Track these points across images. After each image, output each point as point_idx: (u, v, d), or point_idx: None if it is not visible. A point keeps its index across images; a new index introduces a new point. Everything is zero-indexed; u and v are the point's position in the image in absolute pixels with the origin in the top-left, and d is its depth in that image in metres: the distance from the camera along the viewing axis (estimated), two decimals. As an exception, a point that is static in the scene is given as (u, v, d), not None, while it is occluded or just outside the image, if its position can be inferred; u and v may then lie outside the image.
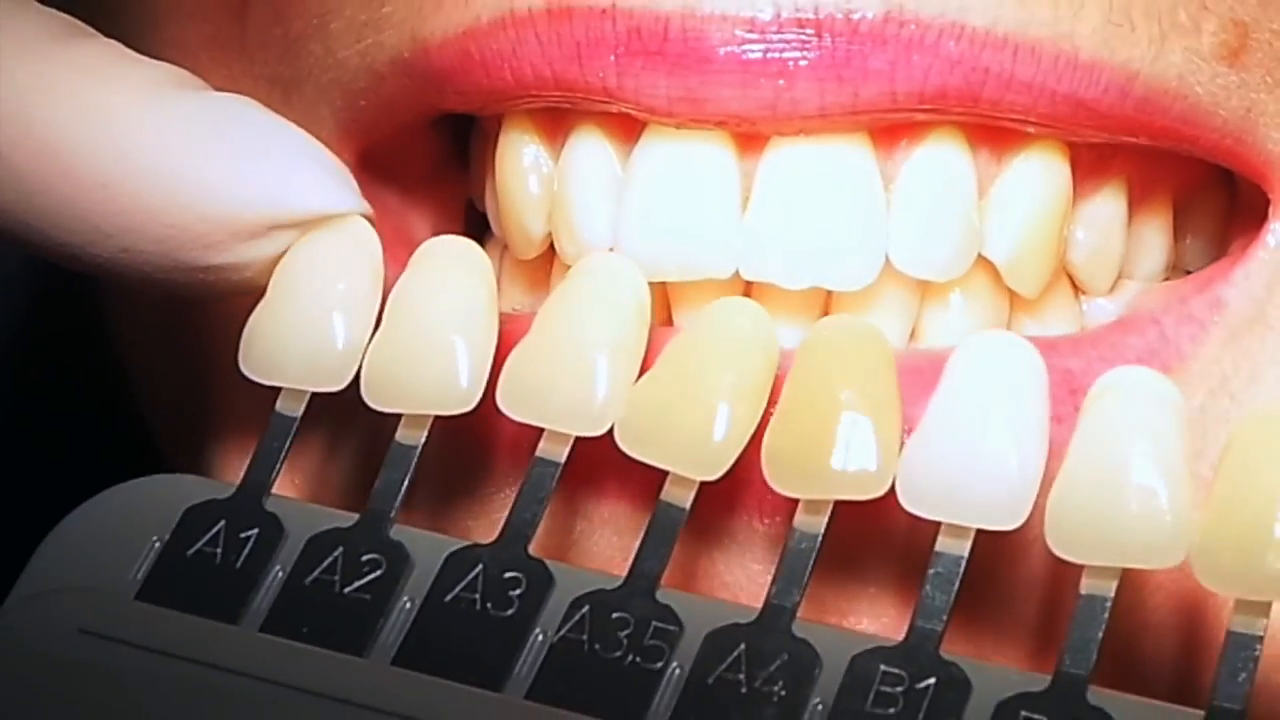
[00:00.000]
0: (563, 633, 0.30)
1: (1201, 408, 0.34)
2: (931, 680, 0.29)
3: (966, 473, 0.30)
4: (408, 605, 0.31)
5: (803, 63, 0.33)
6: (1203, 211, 0.38)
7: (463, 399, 0.32)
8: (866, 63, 0.33)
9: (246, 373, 0.33)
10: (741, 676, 0.29)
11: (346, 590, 0.31)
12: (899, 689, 0.29)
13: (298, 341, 0.32)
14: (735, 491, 0.32)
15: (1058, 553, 0.29)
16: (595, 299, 0.32)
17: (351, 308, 0.32)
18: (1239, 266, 0.35)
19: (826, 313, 0.36)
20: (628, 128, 0.35)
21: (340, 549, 0.31)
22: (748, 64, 0.33)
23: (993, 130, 0.35)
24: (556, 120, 0.36)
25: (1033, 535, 0.29)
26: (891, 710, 0.29)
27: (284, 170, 0.32)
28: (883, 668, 0.29)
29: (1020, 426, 0.30)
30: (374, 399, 0.32)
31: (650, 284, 0.34)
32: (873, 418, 0.30)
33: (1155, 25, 0.34)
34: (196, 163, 0.32)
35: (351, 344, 0.32)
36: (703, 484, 0.31)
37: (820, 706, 0.29)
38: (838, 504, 0.30)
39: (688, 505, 0.31)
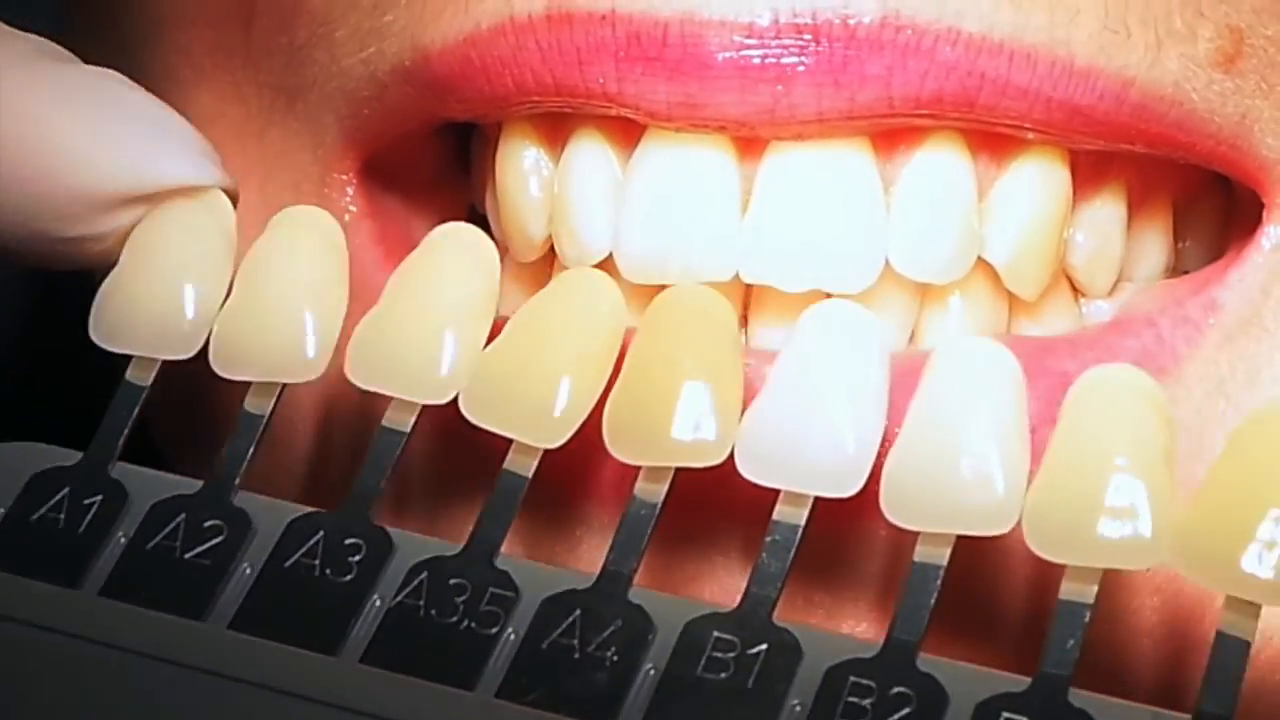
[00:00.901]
0: (400, 598, 0.30)
1: (1197, 410, 0.35)
2: (763, 646, 0.29)
3: (803, 441, 0.30)
4: (248, 571, 0.31)
5: (800, 68, 0.33)
6: (1201, 214, 0.39)
7: (309, 368, 0.32)
8: (863, 68, 0.33)
9: (96, 340, 0.33)
10: (575, 641, 0.29)
11: (187, 556, 0.31)
12: (731, 655, 0.29)
13: (147, 310, 0.32)
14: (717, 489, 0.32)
15: (893, 520, 0.29)
16: (446, 269, 0.32)
17: (202, 277, 0.32)
18: (1234, 269, 0.35)
19: None
20: (628, 131, 0.35)
21: (183, 515, 0.31)
22: (746, 69, 0.33)
23: (992, 135, 0.35)
24: (557, 124, 0.37)
25: (1015, 542, 0.29)
26: (722, 675, 0.29)
27: (144, 143, 0.32)
28: (715, 634, 0.29)
29: (858, 395, 0.30)
30: (221, 367, 0.32)
31: (649, 287, 0.34)
32: (712, 386, 0.30)
33: (1151, 32, 0.34)
34: (58, 133, 0.32)
35: (201, 313, 0.32)
36: (678, 480, 0.31)
37: (652, 671, 0.29)
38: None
39: (529, 473, 0.31)
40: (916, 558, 0.29)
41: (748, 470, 0.30)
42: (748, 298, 0.36)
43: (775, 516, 0.30)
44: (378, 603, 0.30)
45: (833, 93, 0.33)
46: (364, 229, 0.37)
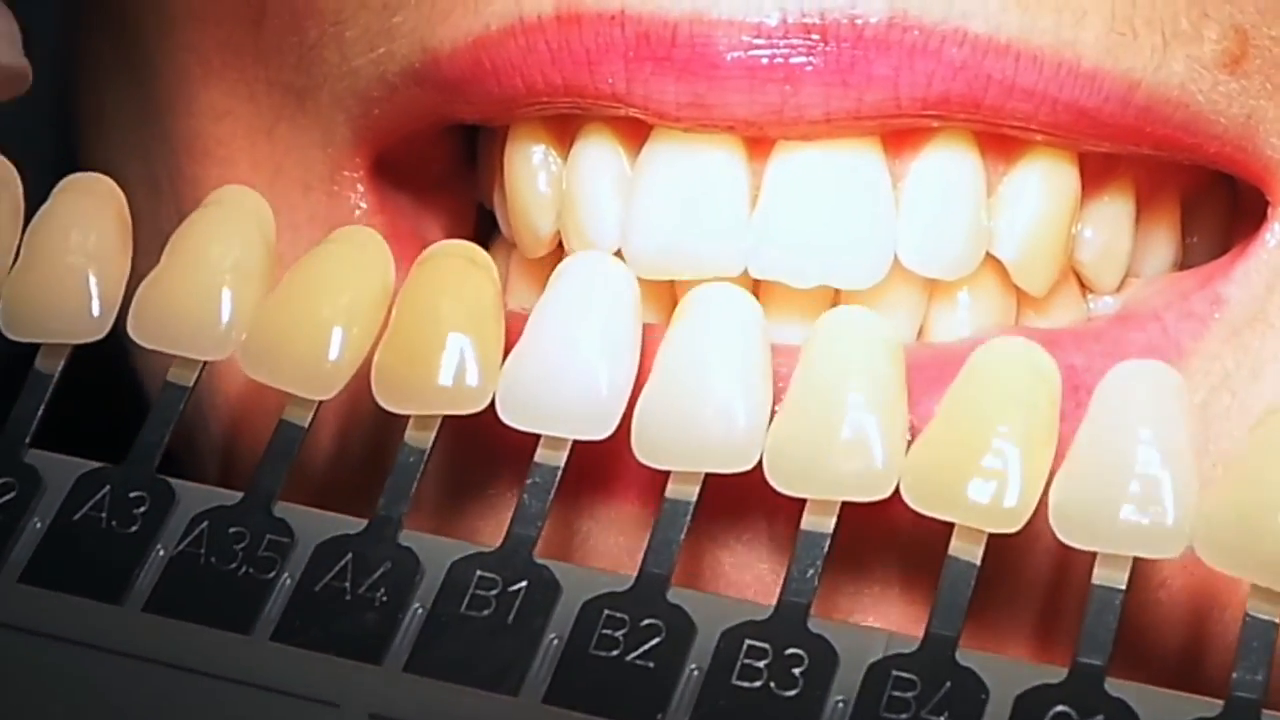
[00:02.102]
0: (181, 547, 0.31)
1: (1203, 404, 0.35)
2: (524, 583, 0.30)
3: (559, 386, 0.31)
4: (39, 525, 0.32)
5: (808, 68, 0.34)
6: (1208, 211, 0.39)
7: (94, 328, 0.33)
8: (871, 68, 0.34)
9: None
10: (347, 584, 0.31)
11: (-23, 513, 0.32)
12: (493, 592, 0.30)
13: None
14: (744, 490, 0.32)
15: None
16: (220, 226, 0.33)
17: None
18: (1239, 264, 0.36)
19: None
20: (637, 127, 0.36)
21: (-28, 476, 0.32)
22: (754, 69, 0.34)
23: (1000, 133, 0.35)
24: (565, 120, 0.37)
25: (1037, 531, 0.30)
26: (485, 612, 0.30)
27: None
28: (479, 573, 0.30)
29: (611, 341, 0.31)
30: (11, 329, 0.33)
31: (659, 282, 0.35)
32: (473, 336, 0.32)
33: (1158, 34, 0.34)
34: None
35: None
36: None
37: (420, 610, 0.30)
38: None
39: (306, 424, 0.32)
40: (669, 489, 0.31)
41: (507, 416, 0.31)
42: (757, 293, 0.35)
43: (535, 459, 0.31)
44: (161, 552, 0.31)
45: (840, 93, 0.34)
46: (374, 226, 0.37)
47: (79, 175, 0.34)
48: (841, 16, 0.33)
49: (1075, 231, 0.37)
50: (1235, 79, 0.34)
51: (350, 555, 0.31)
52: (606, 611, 0.30)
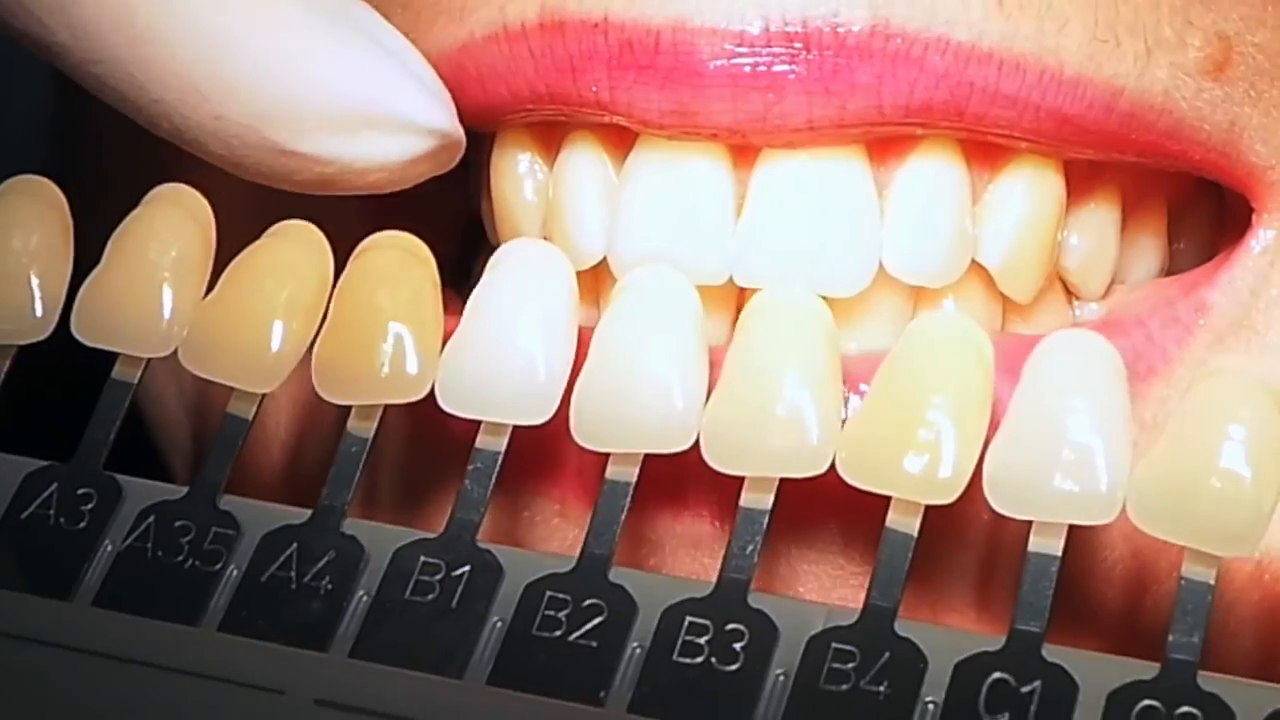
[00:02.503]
0: (129, 541, 0.32)
1: None
2: (467, 568, 0.31)
3: (497, 373, 0.31)
4: (-14, 525, 0.32)
5: (791, 76, 0.34)
6: (1195, 217, 0.39)
7: (37, 328, 0.33)
8: (853, 76, 0.34)
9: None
10: (292, 574, 0.31)
11: (-73, 514, 0.32)
12: (437, 577, 0.31)
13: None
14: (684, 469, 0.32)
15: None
16: (159, 223, 0.34)
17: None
18: (1223, 271, 0.36)
19: None
20: (623, 136, 0.36)
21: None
22: (737, 78, 0.34)
23: (985, 141, 0.35)
24: (551, 129, 0.37)
25: (974, 501, 0.30)
26: (429, 597, 0.30)
27: (388, 74, 0.33)
28: (422, 558, 0.31)
29: (548, 327, 0.32)
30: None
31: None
32: (411, 326, 0.32)
33: (1141, 41, 0.34)
34: (307, 43, 0.32)
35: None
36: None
37: (365, 597, 0.31)
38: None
39: (250, 416, 0.33)
40: (609, 471, 0.31)
41: (447, 403, 0.32)
42: (742, 302, 0.36)
43: (476, 445, 0.32)
44: (109, 547, 0.32)
45: (823, 100, 0.34)
46: (360, 235, 0.36)
47: (20, 178, 0.34)
48: (824, 25, 0.34)
49: (1060, 239, 0.37)
50: (1219, 86, 0.35)
51: (295, 545, 0.31)
52: (549, 593, 0.30)
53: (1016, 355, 0.31)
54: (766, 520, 0.31)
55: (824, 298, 0.34)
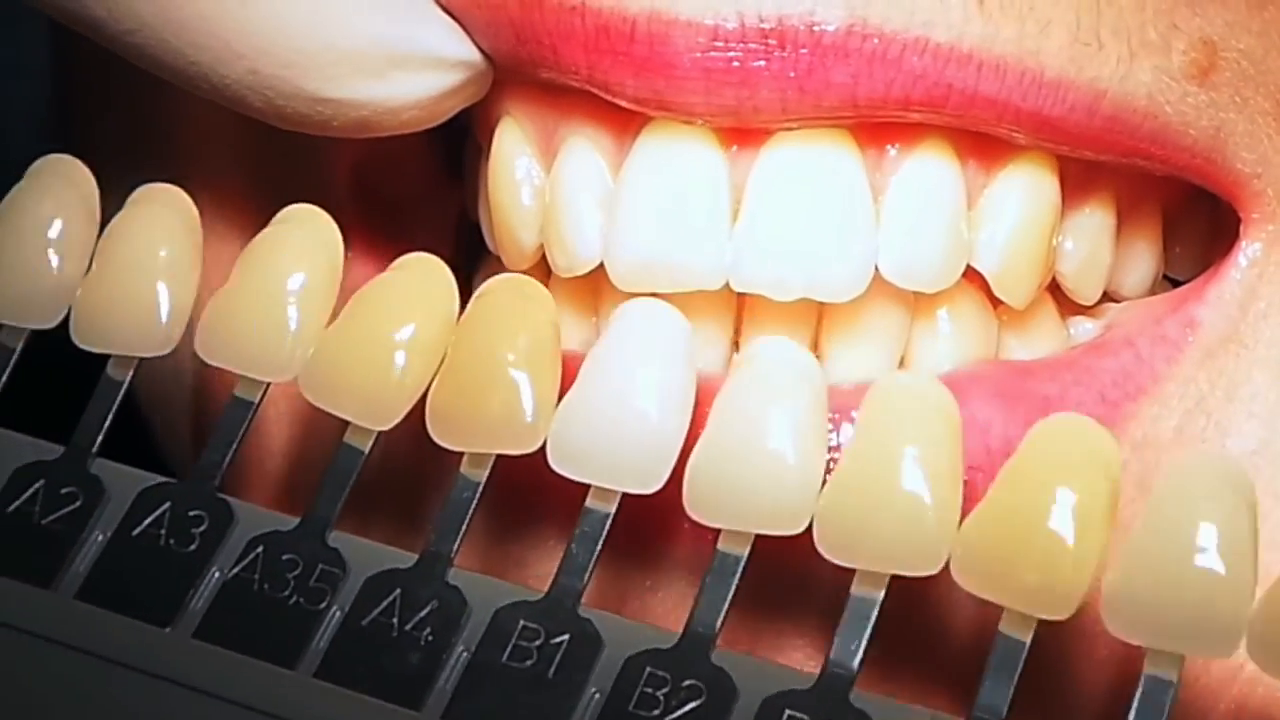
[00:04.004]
0: (236, 570, 0.32)
1: (1178, 428, 0.35)
2: (566, 636, 0.30)
3: (610, 437, 0.31)
4: (100, 538, 0.32)
5: (765, 73, 0.33)
6: (1190, 222, 0.39)
7: (161, 342, 0.33)
8: (829, 74, 0.33)
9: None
10: (394, 620, 0.31)
11: (44, 521, 0.32)
12: (535, 643, 0.30)
13: (13, 281, 0.34)
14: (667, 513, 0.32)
15: (694, 516, 0.30)
16: (289, 245, 0.33)
17: (65, 250, 0.34)
18: (1212, 285, 0.36)
19: (818, 330, 0.36)
20: (620, 140, 0.36)
21: (41, 481, 0.33)
22: (711, 71, 0.34)
23: (981, 142, 0.35)
24: (548, 132, 0.37)
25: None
26: (526, 663, 0.30)
27: (406, 13, 0.34)
28: (522, 622, 0.31)
29: (664, 394, 0.31)
30: (82, 339, 0.33)
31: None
32: (530, 376, 0.31)
33: (1124, 44, 0.34)
34: None
35: (63, 285, 0.34)
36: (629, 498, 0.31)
37: (464, 654, 0.31)
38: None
39: (366, 450, 0.32)
40: (720, 545, 0.31)
41: (557, 463, 0.31)
42: (740, 311, 0.36)
43: (586, 506, 0.31)
44: (216, 574, 0.32)
45: (797, 98, 0.34)
46: (354, 240, 0.37)
47: (154, 186, 0.34)
48: (799, 23, 0.33)
49: (1056, 243, 0.37)
50: (1204, 91, 0.34)
51: (399, 591, 0.31)
52: (649, 669, 0.30)
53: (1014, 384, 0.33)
54: (875, 614, 0.30)
55: (817, 303, 0.35)
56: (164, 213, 0.34)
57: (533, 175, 0.37)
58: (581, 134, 0.37)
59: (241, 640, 0.31)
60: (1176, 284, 0.38)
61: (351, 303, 0.33)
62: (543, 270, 0.38)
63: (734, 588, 0.30)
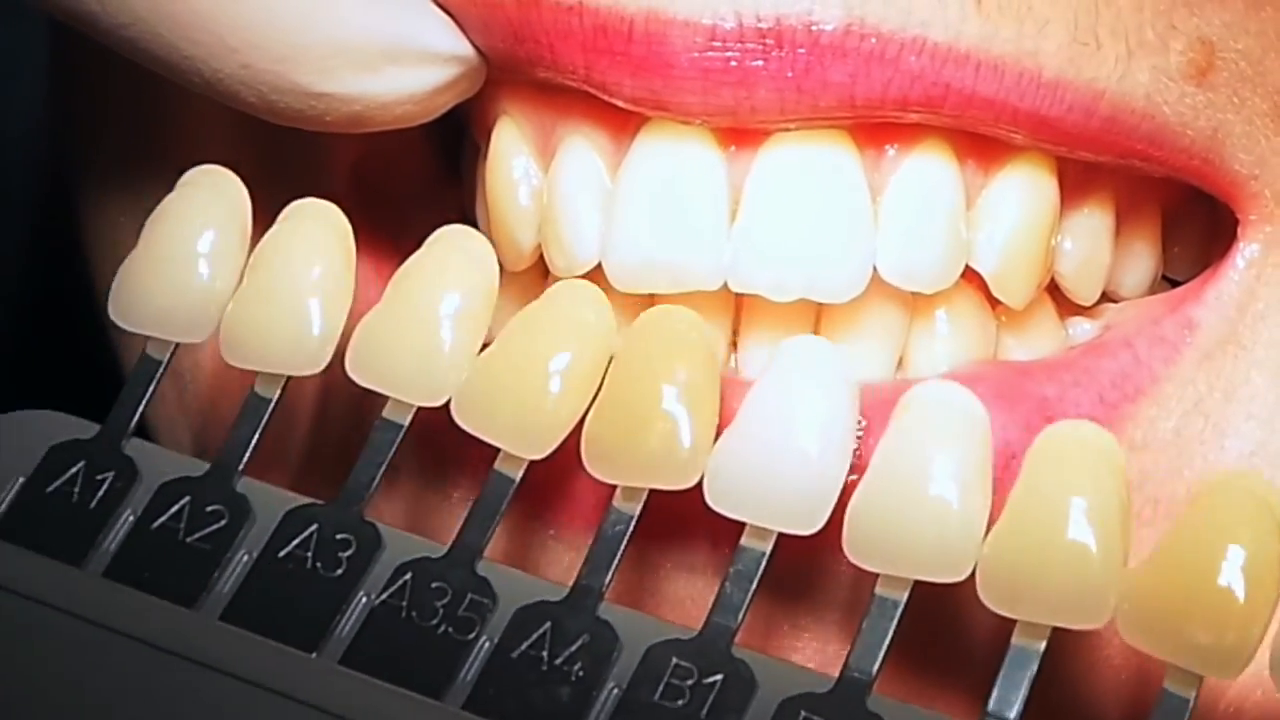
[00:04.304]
0: (383, 598, 0.31)
1: (1176, 429, 0.35)
2: (719, 676, 0.30)
3: (769, 475, 0.30)
4: (245, 559, 0.32)
5: (763, 73, 0.33)
6: (1188, 222, 0.39)
7: (311, 361, 0.33)
8: (826, 74, 0.33)
9: (114, 317, 0.34)
10: (544, 654, 0.30)
11: (189, 539, 0.32)
12: (688, 682, 0.30)
13: (163, 292, 0.33)
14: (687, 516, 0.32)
15: (855, 560, 0.30)
16: (446, 271, 0.33)
17: (217, 262, 0.33)
18: (1210, 286, 0.36)
19: (817, 330, 0.36)
20: (617, 140, 0.36)
21: (188, 498, 0.32)
22: (709, 71, 0.34)
23: (980, 143, 0.35)
24: (546, 132, 0.37)
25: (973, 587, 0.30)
26: (679, 703, 0.30)
27: (401, 8, 0.34)
28: (675, 660, 0.30)
29: (826, 433, 0.31)
30: (229, 355, 0.33)
31: (637, 296, 0.35)
32: (689, 410, 0.31)
33: (1122, 44, 0.34)
34: None
35: (216, 297, 0.33)
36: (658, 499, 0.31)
37: (615, 690, 0.30)
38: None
39: (517, 479, 0.32)
40: (877, 591, 0.30)
41: (714, 500, 0.31)
42: (738, 312, 0.36)
43: (741, 544, 0.31)
44: (363, 600, 0.31)
45: (795, 98, 0.34)
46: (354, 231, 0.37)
47: (306, 201, 0.34)
48: (797, 23, 0.33)
49: (1055, 244, 0.37)
50: (1202, 91, 0.34)
51: (549, 624, 0.31)
52: (804, 713, 0.30)
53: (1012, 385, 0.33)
54: (1037, 665, 0.29)
55: (815, 304, 0.35)
56: (317, 229, 0.33)
57: (530, 175, 0.37)
58: (579, 134, 0.36)
59: (388, 669, 0.31)
60: (1175, 284, 0.38)
61: (508, 328, 0.32)
62: (540, 271, 0.38)
63: (892, 632, 0.30)
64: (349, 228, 0.33)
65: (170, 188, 0.34)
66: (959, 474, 0.30)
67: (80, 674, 0.31)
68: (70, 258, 0.45)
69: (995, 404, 0.34)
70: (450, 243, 0.33)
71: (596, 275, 0.36)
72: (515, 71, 0.36)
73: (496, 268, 0.33)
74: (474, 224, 0.39)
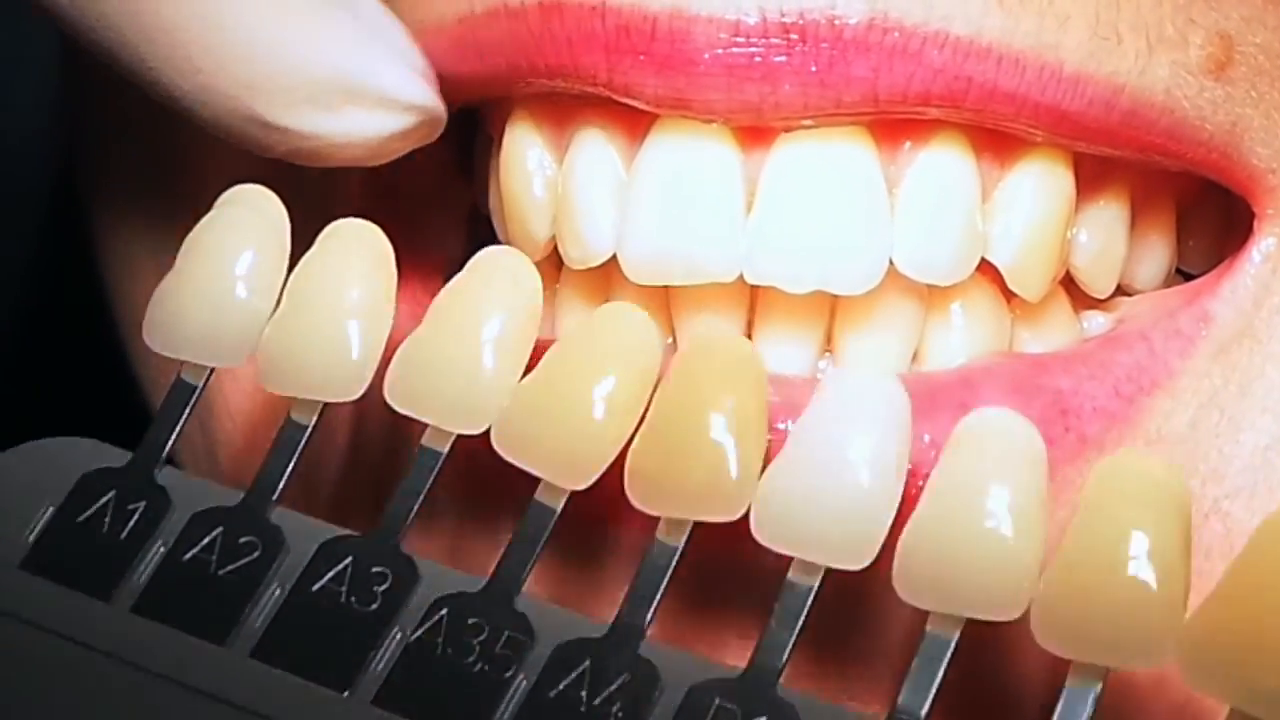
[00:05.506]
0: (419, 634, 0.30)
1: (1191, 423, 0.35)
2: (764, 718, 0.29)
3: (818, 510, 0.29)
4: (277, 592, 0.31)
5: (787, 68, 0.33)
6: (1203, 215, 0.38)
7: (348, 389, 0.32)
8: (849, 69, 0.33)
9: (148, 342, 0.33)
10: (583, 693, 0.29)
11: (221, 572, 0.31)
12: (732, 725, 0.29)
13: (199, 315, 0.33)
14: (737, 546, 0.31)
15: (904, 597, 0.29)
16: (487, 296, 0.32)
17: (256, 284, 0.33)
18: (1226, 280, 0.35)
19: (832, 324, 0.36)
20: (632, 131, 0.36)
21: (220, 529, 0.32)
22: (733, 68, 0.34)
23: (996, 135, 0.35)
24: (561, 123, 0.37)
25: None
26: (722, 745, 0.29)
27: (369, 50, 0.33)
28: (718, 701, 0.29)
29: (877, 467, 0.29)
30: (266, 381, 0.32)
31: (653, 288, 0.35)
32: (736, 443, 0.30)
33: (1143, 38, 0.34)
34: (288, 18, 0.33)
35: (254, 320, 0.33)
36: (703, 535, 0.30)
37: (656, 733, 0.29)
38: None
39: (557, 510, 0.31)
40: (928, 630, 0.29)
41: (761, 534, 0.30)
42: (753, 304, 0.36)
43: (788, 578, 0.30)
44: (398, 636, 0.30)
45: (819, 93, 0.33)
46: None
47: (345, 221, 0.33)
48: (820, 17, 0.33)
49: (1070, 236, 0.37)
50: (1220, 85, 0.34)
51: (589, 662, 0.30)
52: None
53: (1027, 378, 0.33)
54: (1091, 706, 0.28)
55: (830, 296, 0.35)
56: (356, 250, 0.32)
57: (545, 166, 0.37)
58: (594, 125, 0.36)
59: (422, 708, 0.30)
60: (1189, 277, 0.38)
61: (551, 353, 0.31)
62: (554, 262, 0.37)
63: (943, 673, 0.29)
64: (389, 249, 0.33)
65: (187, 200, 0.33)
66: (1015, 508, 0.29)
67: (106, 713, 0.30)
68: (77, 264, 0.44)
69: (1010, 397, 0.34)
70: (493, 264, 0.32)
71: (611, 266, 0.35)
72: (529, 86, 0.35)
73: (540, 289, 0.32)
74: (487, 217, 0.39)
